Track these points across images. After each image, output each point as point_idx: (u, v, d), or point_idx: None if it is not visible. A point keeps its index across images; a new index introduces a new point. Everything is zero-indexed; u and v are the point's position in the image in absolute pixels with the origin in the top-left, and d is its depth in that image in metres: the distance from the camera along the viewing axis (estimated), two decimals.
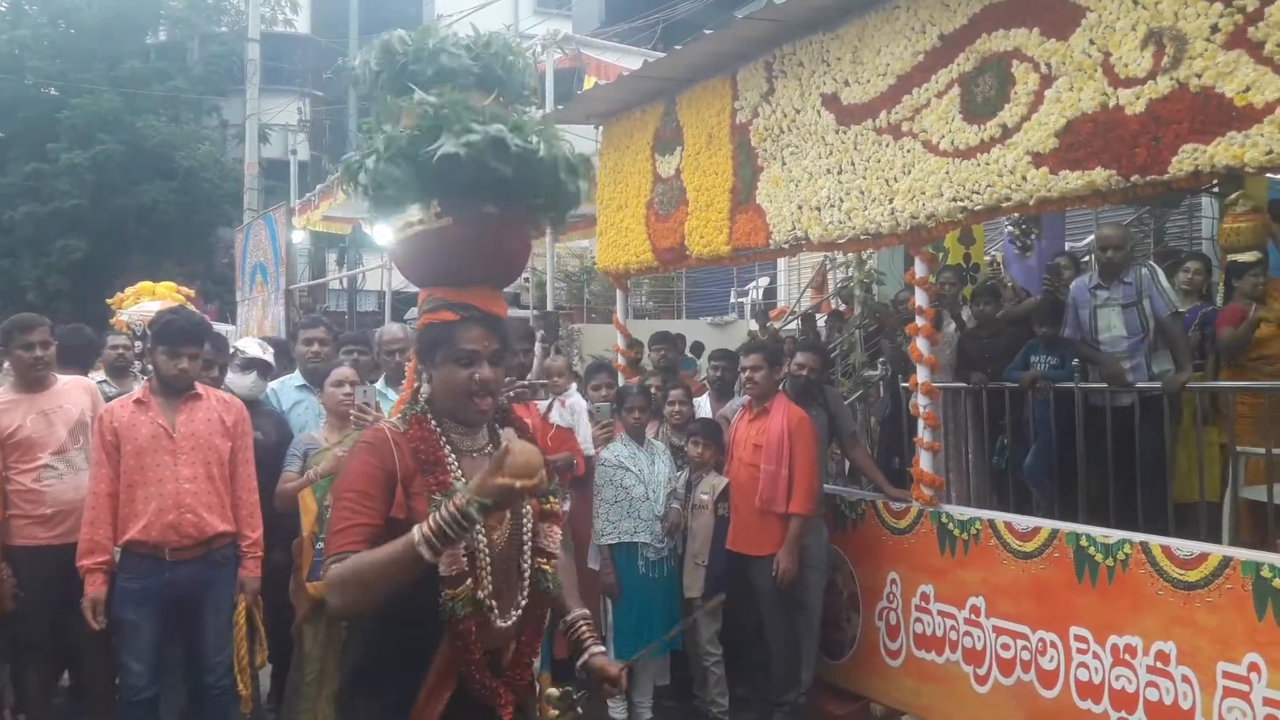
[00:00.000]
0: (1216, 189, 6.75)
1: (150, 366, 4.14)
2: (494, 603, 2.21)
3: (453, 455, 2.26)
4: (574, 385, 5.10)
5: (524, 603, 2.29)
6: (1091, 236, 7.56)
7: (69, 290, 18.97)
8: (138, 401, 3.94)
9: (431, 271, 2.37)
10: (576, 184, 2.41)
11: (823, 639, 4.99)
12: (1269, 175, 6.72)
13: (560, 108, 7.05)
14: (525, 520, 2.32)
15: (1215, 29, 3.34)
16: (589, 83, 7.61)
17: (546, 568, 2.34)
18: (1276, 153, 3.19)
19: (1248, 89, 3.26)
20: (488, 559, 2.21)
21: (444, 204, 2.28)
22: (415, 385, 2.37)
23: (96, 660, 4.26)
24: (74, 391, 4.43)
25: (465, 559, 2.15)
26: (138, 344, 8.58)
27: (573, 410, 5.01)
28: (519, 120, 2.32)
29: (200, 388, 4.07)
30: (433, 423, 2.29)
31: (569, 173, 2.38)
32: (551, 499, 2.39)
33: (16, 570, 4.14)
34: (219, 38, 22.45)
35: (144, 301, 9.98)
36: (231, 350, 5.03)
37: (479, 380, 2.24)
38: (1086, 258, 7.64)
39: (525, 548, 2.31)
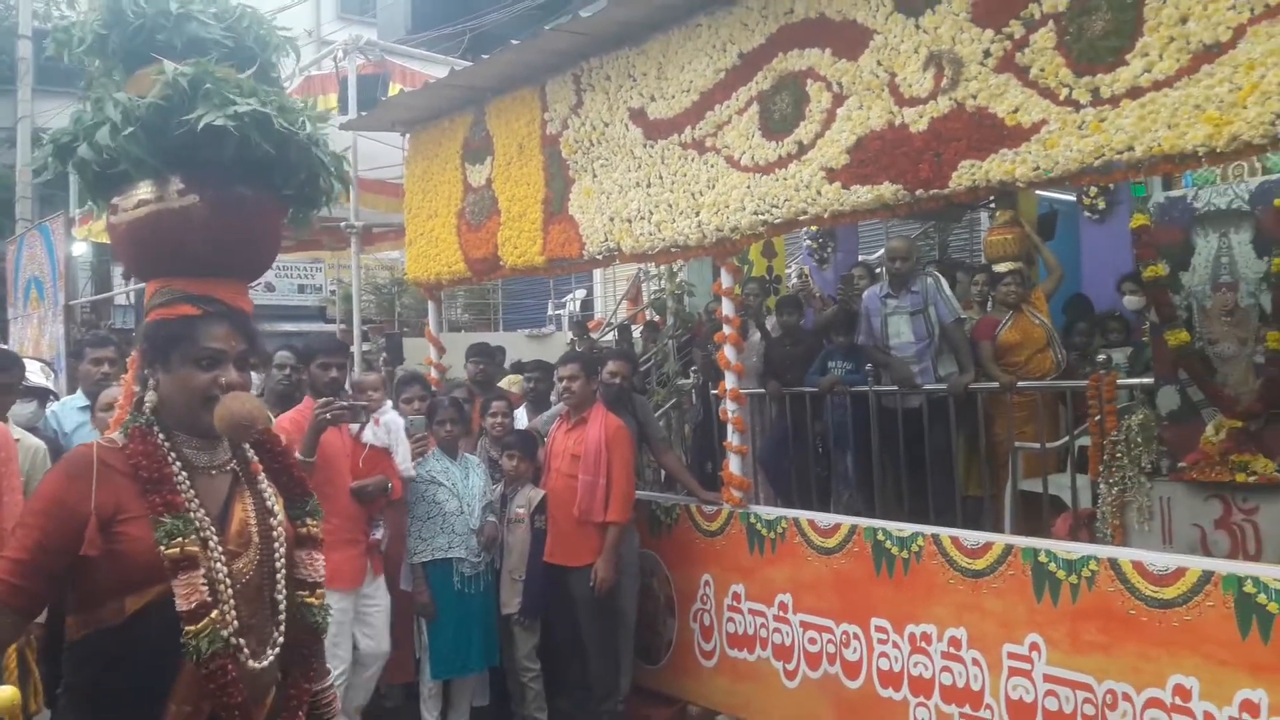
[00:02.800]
0: (993, 204, 7.30)
1: None
2: (241, 641, 1.94)
3: (183, 472, 1.98)
4: (389, 402, 4.84)
5: (280, 640, 2.03)
6: (883, 249, 8.01)
7: None
8: None
9: (166, 259, 2.12)
10: (330, 179, 2.29)
11: (639, 644, 5.04)
12: (1038, 192, 7.36)
13: (364, 114, 6.85)
14: (276, 545, 2.05)
15: (988, 54, 3.61)
16: (394, 90, 7.44)
17: (310, 600, 2.10)
18: (1042, 169, 3.48)
19: (1016, 110, 3.53)
20: (229, 591, 1.94)
21: (187, 181, 2.08)
22: (137, 394, 2.07)
23: None
24: None
25: (206, 588, 1.90)
26: None
27: (388, 428, 4.66)
28: (281, 99, 2.16)
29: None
30: (160, 436, 2.00)
31: (324, 165, 2.26)
32: (309, 522, 2.16)
33: None
34: None
35: None
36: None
37: (224, 384, 1.98)
38: (880, 269, 8.09)
39: (279, 578, 2.05)
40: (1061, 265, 6.61)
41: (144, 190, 2.11)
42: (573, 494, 4.74)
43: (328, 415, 4.15)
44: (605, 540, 4.68)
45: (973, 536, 3.89)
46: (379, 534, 4.49)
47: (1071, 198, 7.78)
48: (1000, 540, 3.82)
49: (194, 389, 1.99)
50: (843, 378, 5.79)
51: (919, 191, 3.85)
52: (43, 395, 5.20)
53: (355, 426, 4.50)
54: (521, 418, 5.75)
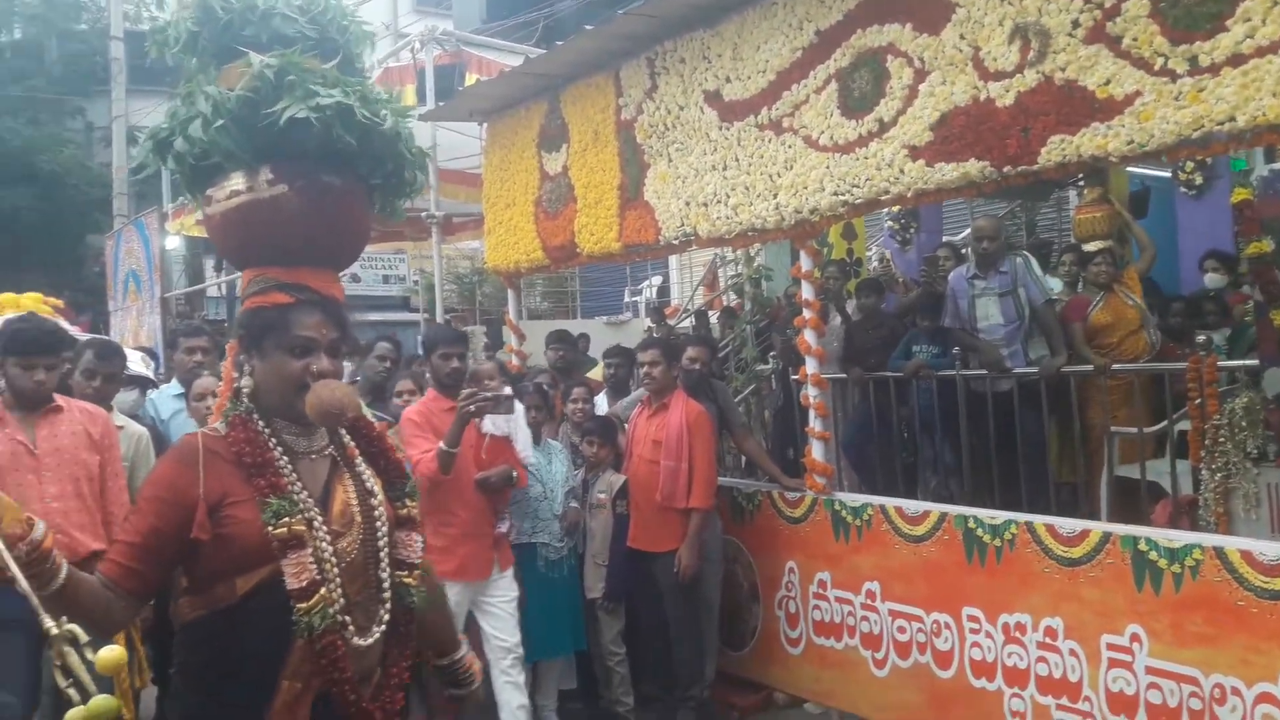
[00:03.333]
0: (1082, 181, 7.06)
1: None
2: (348, 619, 1.98)
3: (284, 457, 2.02)
4: (507, 389, 4.59)
5: (386, 618, 2.06)
6: (968, 229, 7.81)
7: None
8: None
9: (260, 248, 2.16)
10: (414, 171, 2.30)
11: (724, 631, 5.01)
12: (1130, 169, 7.10)
13: (441, 104, 6.92)
14: (379, 526, 2.08)
15: (1076, 24, 3.47)
16: (470, 80, 7.50)
17: (408, 580, 2.11)
18: (1137, 143, 3.33)
19: (1108, 81, 3.39)
20: (335, 570, 1.98)
21: (277, 171, 2.10)
22: (236, 381, 2.10)
23: None
24: None
25: (314, 567, 1.94)
26: None
27: (508, 417, 4.53)
28: (365, 90, 2.18)
29: (60, 399, 3.82)
30: (259, 423, 2.04)
31: (410, 154, 2.27)
32: (409, 502, 2.18)
33: None
34: (79, 35, 21.36)
35: (7, 314, 9.44)
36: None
37: (315, 372, 2.00)
38: (965, 249, 7.90)
39: (382, 557, 2.08)
40: (1155, 244, 6.36)
41: (236, 181, 2.14)
42: (655, 480, 4.73)
43: (471, 407, 4.05)
44: (689, 526, 4.67)
45: (1068, 524, 3.76)
46: (505, 526, 4.41)
47: (1166, 173, 7.48)
48: (1098, 528, 3.69)
49: (287, 376, 2.01)
50: (928, 361, 5.67)
51: (1006, 168, 3.72)
52: (144, 383, 5.40)
53: (490, 422, 4.38)
54: (602, 404, 5.76)
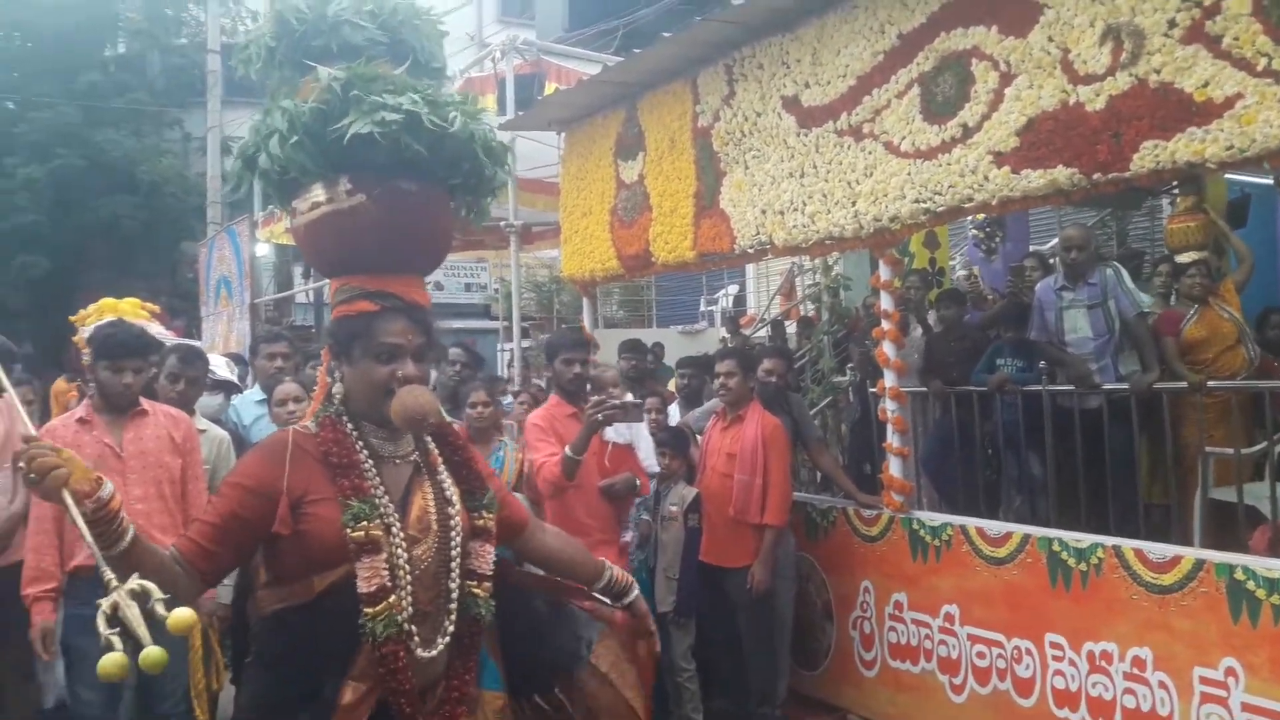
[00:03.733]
0: (1176, 189, 6.77)
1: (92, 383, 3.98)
2: (414, 629, 2.00)
3: (369, 460, 2.07)
4: (629, 396, 4.61)
5: (451, 630, 2.07)
6: (1056, 239, 7.56)
7: (29, 309, 18.60)
8: (81, 420, 3.78)
9: (344, 257, 2.18)
10: (494, 168, 2.28)
11: (796, 650, 4.91)
12: (1227, 176, 6.78)
13: (521, 114, 6.96)
14: (454, 535, 2.10)
15: (1173, 24, 3.31)
16: (550, 89, 7.53)
17: (478, 592, 2.12)
18: (1237, 148, 3.16)
19: (1206, 84, 3.22)
20: (407, 577, 2.00)
21: (355, 181, 2.11)
22: (329, 385, 2.17)
23: (17, 688, 4.10)
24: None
25: (387, 573, 1.96)
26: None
27: (630, 426, 4.45)
28: (434, 94, 2.16)
29: (146, 403, 3.92)
30: (348, 425, 2.09)
31: (487, 153, 2.24)
32: (485, 514, 2.18)
33: None
34: (179, 49, 22.17)
35: (107, 318, 9.81)
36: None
37: (401, 378, 2.04)
38: (1053, 259, 7.65)
39: (454, 567, 2.09)
40: (1253, 254, 6.06)
41: (317, 193, 2.16)
42: (728, 493, 4.65)
43: (599, 416, 3.92)
44: (762, 542, 4.58)
45: (1159, 549, 3.58)
46: (629, 536, 4.33)
47: (1268, 180, 7.12)
48: (1190, 554, 3.50)
49: (374, 382, 2.05)
50: (1013, 375, 5.47)
51: (1096, 176, 3.57)
52: (228, 388, 5.51)
53: (613, 432, 4.30)
54: (674, 414, 5.70)
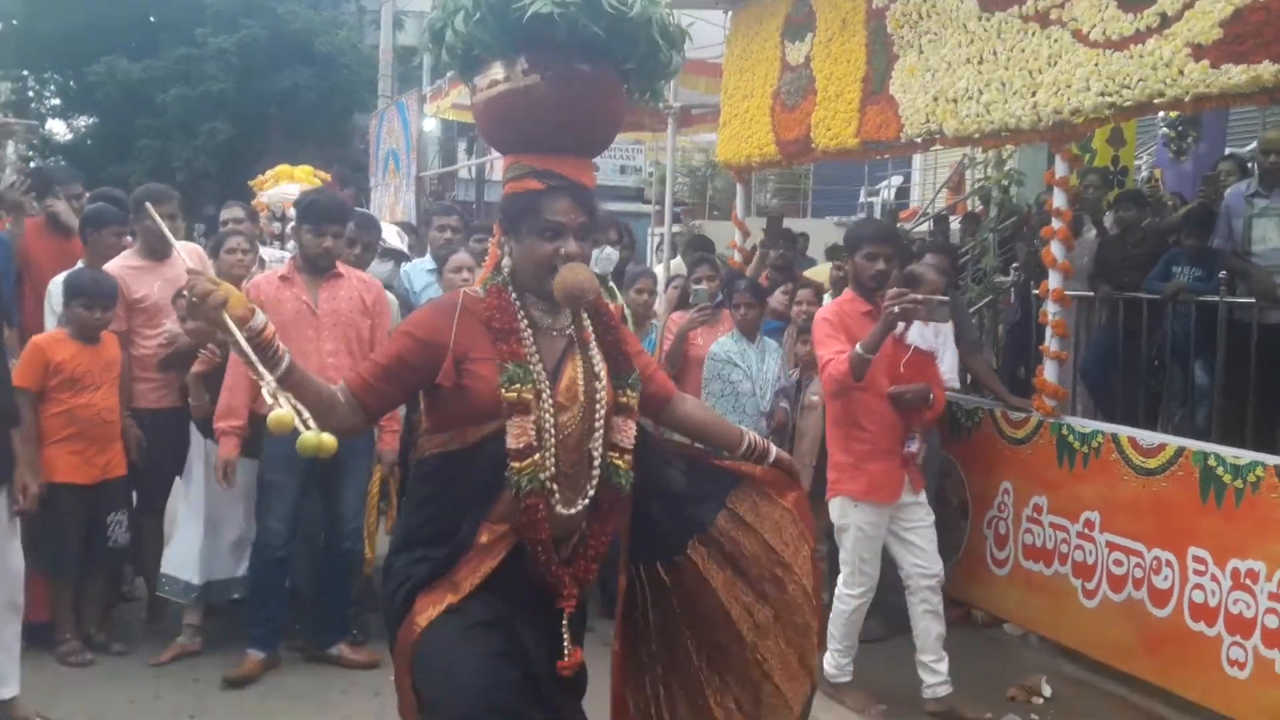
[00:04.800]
0: None
1: (294, 244, 4.25)
2: (555, 486, 2.14)
3: (528, 329, 2.19)
4: (943, 296, 3.95)
5: (591, 494, 2.21)
6: (1256, 142, 6.99)
7: (215, 171, 19.78)
8: (282, 278, 4.07)
9: (517, 136, 2.26)
10: (670, 52, 2.28)
11: None
12: None
13: None
14: (599, 408, 2.23)
15: None
16: None
17: (618, 462, 2.24)
18: None
19: None
20: (553, 439, 2.14)
21: (531, 61, 2.16)
22: (499, 256, 2.28)
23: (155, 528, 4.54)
24: (190, 259, 4.55)
25: (534, 433, 2.11)
26: (275, 224, 8.92)
27: (937, 330, 3.99)
28: None
29: (341, 267, 4.17)
30: (512, 294, 2.21)
31: (664, 37, 2.25)
32: (629, 391, 2.29)
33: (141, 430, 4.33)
34: None
35: (283, 184, 10.34)
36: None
37: (564, 255, 2.15)
38: (1251, 163, 7.10)
39: (597, 436, 2.22)
40: None
41: (496, 71, 2.22)
42: None
43: (896, 309, 3.54)
44: None
45: None
46: (914, 446, 3.93)
47: None
48: None
49: (538, 257, 2.17)
50: (1189, 285, 5.19)
51: None
52: (398, 256, 5.80)
53: (901, 326, 3.78)
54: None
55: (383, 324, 4.21)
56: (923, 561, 3.93)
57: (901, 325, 3.74)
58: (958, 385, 4.23)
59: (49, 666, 3.81)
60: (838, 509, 3.90)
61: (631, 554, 2.44)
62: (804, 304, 5.22)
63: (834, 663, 3.92)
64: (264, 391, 1.94)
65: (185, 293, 1.90)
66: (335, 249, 4.10)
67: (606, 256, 4.60)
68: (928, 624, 3.91)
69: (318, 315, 4.03)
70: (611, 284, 4.68)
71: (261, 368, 1.94)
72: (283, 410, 1.89)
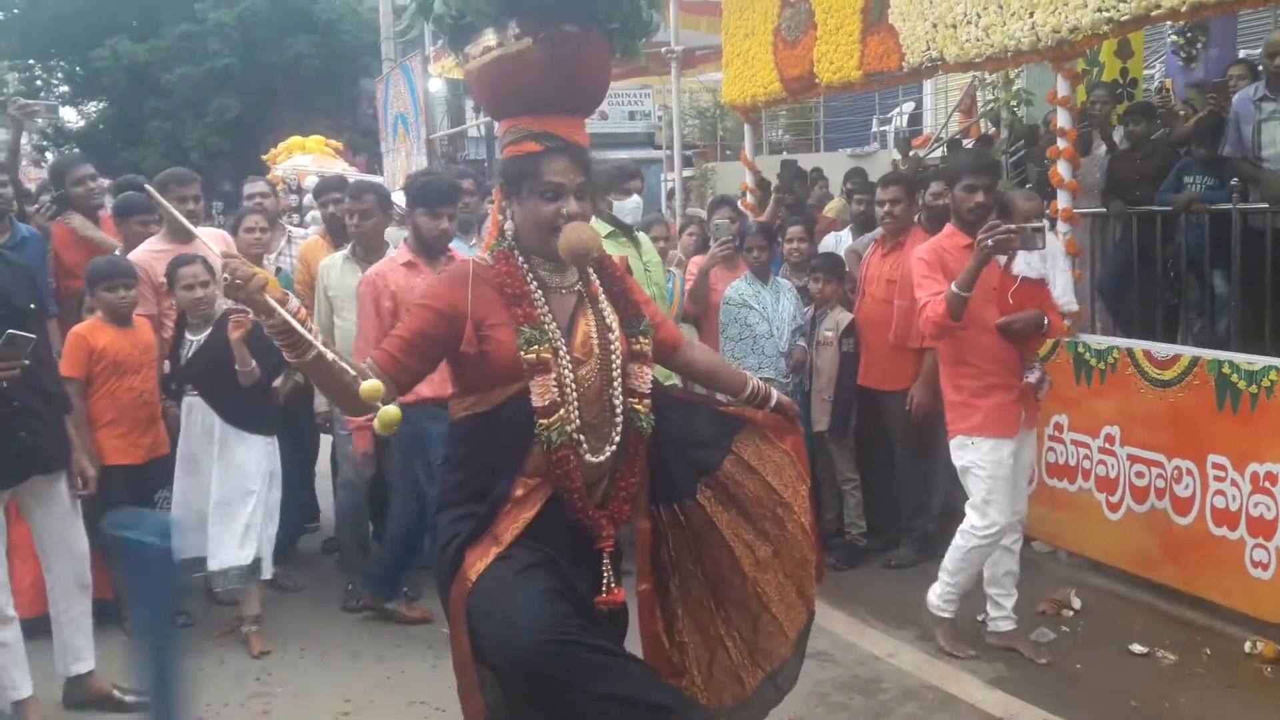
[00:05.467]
0: None
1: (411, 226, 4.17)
2: (582, 437, 2.25)
3: (539, 290, 2.27)
4: (1040, 223, 3.72)
5: (617, 439, 2.32)
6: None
7: (229, 149, 19.85)
8: (408, 264, 4.06)
9: (512, 100, 2.32)
10: (650, 11, 2.36)
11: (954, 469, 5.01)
12: None
13: None
14: (614, 358, 2.32)
15: None
16: None
17: (639, 408, 2.34)
18: None
19: None
20: (574, 393, 2.24)
21: (522, 25, 2.22)
22: (502, 221, 2.35)
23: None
24: (215, 244, 4.59)
25: (556, 390, 2.20)
26: (291, 198, 9.01)
27: (1044, 257, 3.77)
28: None
29: (453, 249, 4.16)
30: (519, 259, 2.28)
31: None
32: (642, 339, 2.38)
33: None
34: None
35: (296, 156, 10.41)
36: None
37: (565, 214, 2.21)
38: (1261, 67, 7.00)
39: (616, 385, 2.32)
40: None
41: (488, 38, 2.28)
42: (888, 319, 4.70)
43: (989, 242, 3.40)
44: (922, 365, 4.64)
45: None
46: (1033, 376, 3.70)
47: None
48: None
49: (540, 219, 2.24)
50: (1201, 194, 5.18)
51: None
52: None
53: (1004, 258, 3.61)
54: (846, 239, 5.71)
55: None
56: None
57: (1004, 258, 3.59)
58: (1075, 308, 3.99)
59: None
60: (957, 448, 3.76)
61: (651, 497, 2.54)
62: (795, 240, 5.26)
63: (940, 595, 3.83)
64: (330, 357, 2.04)
65: (225, 275, 1.97)
66: (450, 231, 4.07)
67: (635, 205, 4.64)
68: (1003, 560, 3.83)
69: None
70: (639, 233, 4.73)
71: (309, 336, 2.03)
72: (368, 383, 2.01)
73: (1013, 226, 3.43)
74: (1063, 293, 3.79)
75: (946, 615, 3.84)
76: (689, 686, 2.54)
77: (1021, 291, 3.65)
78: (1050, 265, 3.75)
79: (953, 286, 3.48)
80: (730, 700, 2.55)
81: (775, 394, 2.68)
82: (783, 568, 2.55)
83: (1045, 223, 3.74)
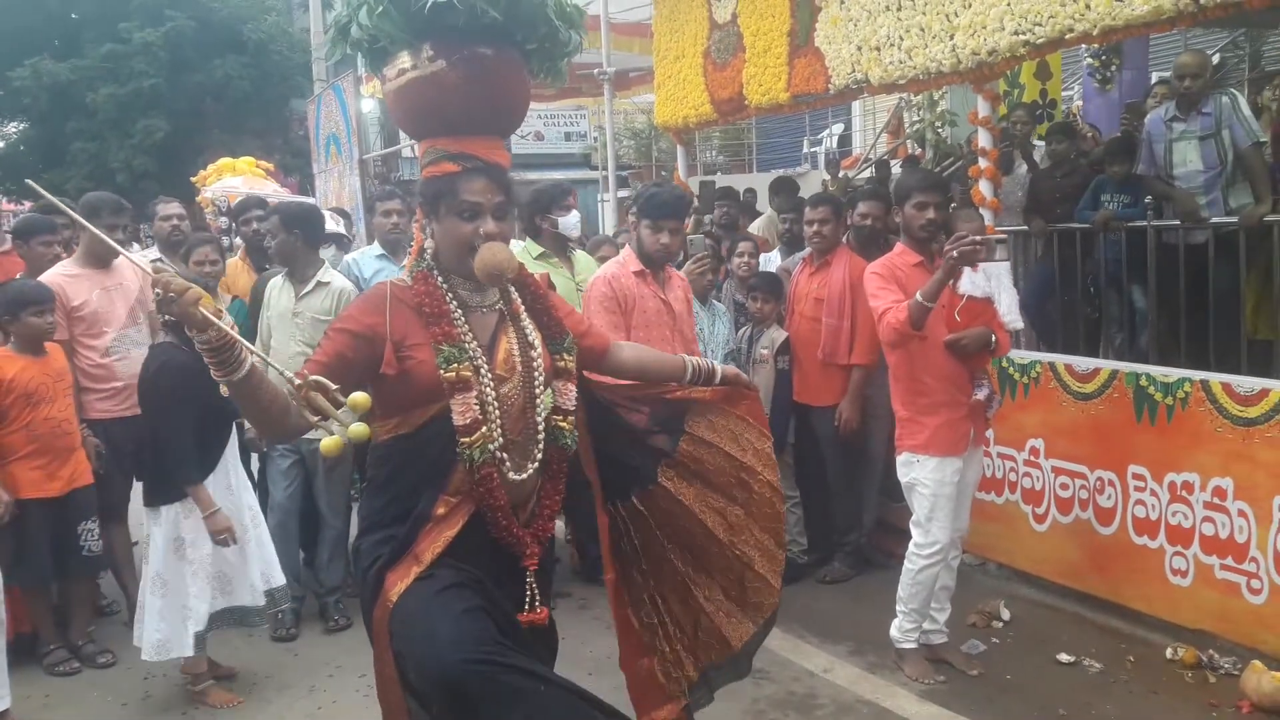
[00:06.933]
0: None
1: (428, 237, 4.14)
2: (505, 455, 2.24)
3: (458, 309, 2.26)
4: (997, 237, 3.96)
5: (540, 457, 2.32)
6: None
7: (155, 170, 19.45)
8: (638, 272, 4.06)
9: (429, 121, 2.31)
10: (569, 32, 2.36)
11: (886, 483, 5.08)
12: None
13: None
14: (537, 375, 2.32)
15: None
16: None
17: (563, 424, 2.36)
18: None
19: None
20: (497, 411, 2.23)
21: (436, 48, 2.22)
22: (422, 241, 2.34)
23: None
24: (130, 269, 4.45)
25: (478, 408, 2.20)
26: (223, 219, 8.85)
27: (988, 275, 3.76)
28: None
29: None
30: (438, 278, 2.28)
31: (561, 18, 2.32)
32: (565, 356, 2.39)
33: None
34: None
35: (226, 178, 10.24)
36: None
37: (483, 234, 2.21)
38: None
39: (539, 403, 2.32)
40: None
41: (403, 60, 2.28)
42: (816, 337, 4.76)
43: (955, 253, 3.41)
44: (850, 382, 4.70)
45: (1247, 383, 3.59)
46: (982, 394, 3.73)
47: None
48: (1277, 387, 3.50)
49: (458, 238, 2.23)
50: (1118, 212, 5.34)
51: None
52: (338, 240, 5.82)
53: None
54: (773, 260, 5.77)
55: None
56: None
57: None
58: (1021, 325, 3.99)
59: (38, 679, 3.85)
60: (903, 464, 3.76)
61: (606, 495, 2.61)
62: (744, 256, 5.31)
63: (899, 626, 3.81)
64: (266, 371, 2.02)
65: (158, 290, 1.91)
66: (673, 245, 4.04)
67: (575, 221, 4.68)
68: (941, 575, 3.82)
69: (674, 313, 4.10)
70: (576, 252, 4.75)
71: (247, 345, 1.99)
72: (357, 394, 2.00)
73: (978, 238, 3.45)
74: (1008, 310, 3.84)
75: (909, 646, 3.82)
76: (660, 662, 2.69)
77: (968, 309, 3.68)
78: (995, 284, 3.80)
79: (918, 296, 3.48)
80: (718, 658, 2.73)
81: (719, 367, 2.76)
82: (757, 524, 2.70)
83: (1004, 237, 3.84)
